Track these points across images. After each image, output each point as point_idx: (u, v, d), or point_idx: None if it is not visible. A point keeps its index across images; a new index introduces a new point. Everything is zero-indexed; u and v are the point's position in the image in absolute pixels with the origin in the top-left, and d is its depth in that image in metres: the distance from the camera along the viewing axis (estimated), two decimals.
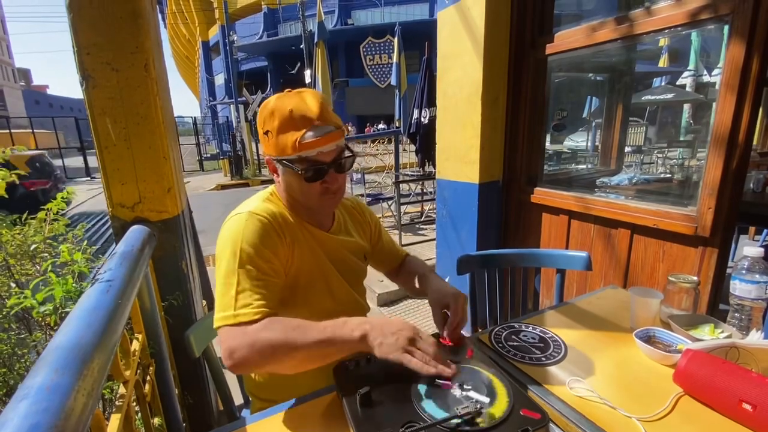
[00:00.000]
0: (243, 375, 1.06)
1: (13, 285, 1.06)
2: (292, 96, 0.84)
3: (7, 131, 14.18)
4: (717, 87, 1.30)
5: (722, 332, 0.91)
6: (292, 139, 0.80)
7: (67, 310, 0.87)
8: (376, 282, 3.31)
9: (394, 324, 0.74)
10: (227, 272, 0.77)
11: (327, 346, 0.71)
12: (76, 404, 0.45)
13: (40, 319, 0.97)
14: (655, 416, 0.70)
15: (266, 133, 0.84)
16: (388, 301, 3.19)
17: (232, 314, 0.73)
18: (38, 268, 1.18)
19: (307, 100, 0.82)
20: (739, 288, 0.93)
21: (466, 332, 0.92)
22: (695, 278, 1.01)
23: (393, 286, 3.24)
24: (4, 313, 1.04)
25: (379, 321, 0.75)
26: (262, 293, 0.77)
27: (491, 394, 0.68)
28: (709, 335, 0.90)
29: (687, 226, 1.38)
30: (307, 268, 0.90)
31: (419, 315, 2.94)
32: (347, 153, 0.89)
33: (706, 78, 6.88)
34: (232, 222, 0.84)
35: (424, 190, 5.61)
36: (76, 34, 1.09)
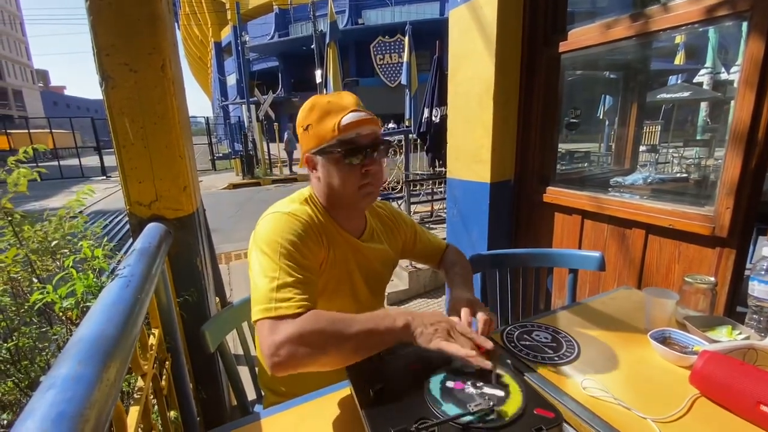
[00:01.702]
0: (258, 370, 1.08)
1: (35, 280, 1.09)
2: (328, 94, 0.91)
3: (26, 131, 14.55)
4: (735, 84, 1.27)
5: (740, 334, 0.89)
6: (332, 123, 0.85)
7: (88, 304, 0.90)
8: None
9: (434, 315, 0.75)
10: (267, 266, 0.78)
11: (372, 336, 0.72)
12: (100, 394, 0.46)
13: (61, 313, 1.00)
14: (671, 417, 0.69)
15: (306, 128, 0.88)
16: (397, 300, 3.19)
17: (274, 306, 0.73)
18: (58, 264, 1.21)
19: (343, 95, 0.90)
20: (758, 289, 0.91)
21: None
22: (712, 279, 0.99)
23: (402, 286, 3.25)
24: (26, 307, 1.07)
25: (419, 312, 0.76)
26: (302, 288, 0.77)
27: (504, 391, 0.68)
28: (727, 337, 0.89)
29: (704, 226, 1.36)
30: (337, 273, 0.92)
31: None
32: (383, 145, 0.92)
33: (724, 75, 6.72)
34: (271, 219, 0.85)
35: (434, 190, 5.60)
36: (96, 36, 1.11)
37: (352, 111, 0.85)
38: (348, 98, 0.89)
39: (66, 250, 1.15)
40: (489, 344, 0.70)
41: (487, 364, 0.68)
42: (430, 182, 5.29)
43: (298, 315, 0.72)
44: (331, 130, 0.84)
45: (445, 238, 2.64)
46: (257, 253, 0.81)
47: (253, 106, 11.96)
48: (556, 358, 0.88)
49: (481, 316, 0.84)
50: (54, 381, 0.45)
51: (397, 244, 1.11)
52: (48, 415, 0.40)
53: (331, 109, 0.86)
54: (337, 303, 0.93)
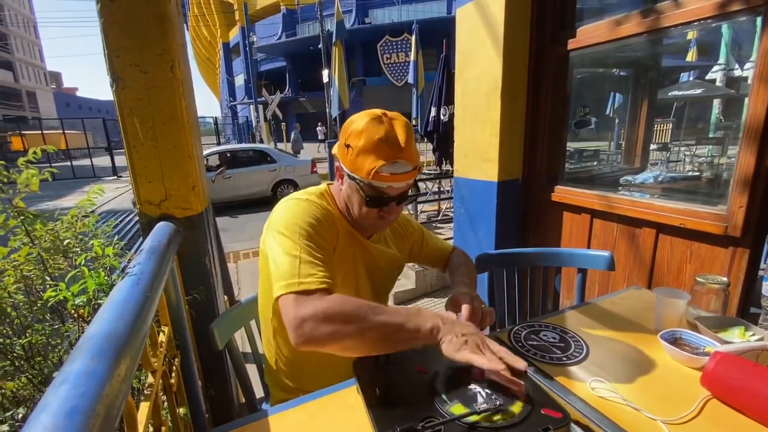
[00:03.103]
0: (266, 368, 1.09)
1: (48, 278, 1.11)
2: (385, 122, 0.83)
3: (40, 132, 14.82)
4: (749, 81, 1.25)
5: (753, 335, 0.88)
6: (370, 166, 0.81)
7: (99, 302, 0.91)
8: None
9: (467, 326, 0.73)
10: (288, 245, 0.78)
11: (396, 331, 0.70)
12: (111, 390, 0.47)
13: (73, 311, 1.01)
14: (681, 419, 0.68)
15: (347, 146, 0.85)
16: (403, 300, 3.19)
17: (297, 281, 0.72)
18: (69, 262, 1.23)
19: (398, 132, 0.83)
20: None
21: (484, 331, 0.91)
22: (725, 279, 0.97)
23: (410, 285, 3.25)
24: (39, 305, 1.10)
25: (451, 319, 0.74)
26: (323, 266, 0.77)
27: (511, 391, 0.67)
28: (739, 338, 0.87)
29: (716, 225, 1.34)
30: (343, 267, 0.92)
31: None
32: (413, 190, 0.91)
33: (737, 72, 6.60)
34: (290, 203, 0.86)
35: (441, 189, 5.58)
36: (107, 37, 1.13)
37: (394, 163, 0.82)
38: (401, 137, 0.82)
39: (78, 249, 1.17)
40: (523, 364, 0.65)
41: (519, 384, 0.65)
42: (437, 181, 5.27)
43: (322, 291, 0.72)
44: (366, 171, 0.82)
45: (452, 238, 2.64)
46: (276, 235, 0.81)
47: (260, 106, 12.05)
48: (564, 359, 0.87)
49: (474, 306, 0.84)
50: (67, 376, 0.46)
51: (405, 249, 1.12)
52: (61, 410, 0.41)
53: (377, 148, 0.81)
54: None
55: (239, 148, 8.67)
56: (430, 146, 5.09)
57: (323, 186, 0.99)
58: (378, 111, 0.86)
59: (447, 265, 1.17)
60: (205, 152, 7.95)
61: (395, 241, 1.09)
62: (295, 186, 7.69)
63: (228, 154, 7.71)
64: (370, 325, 0.69)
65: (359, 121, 0.84)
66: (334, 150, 0.93)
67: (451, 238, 2.68)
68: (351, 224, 0.95)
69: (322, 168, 9.58)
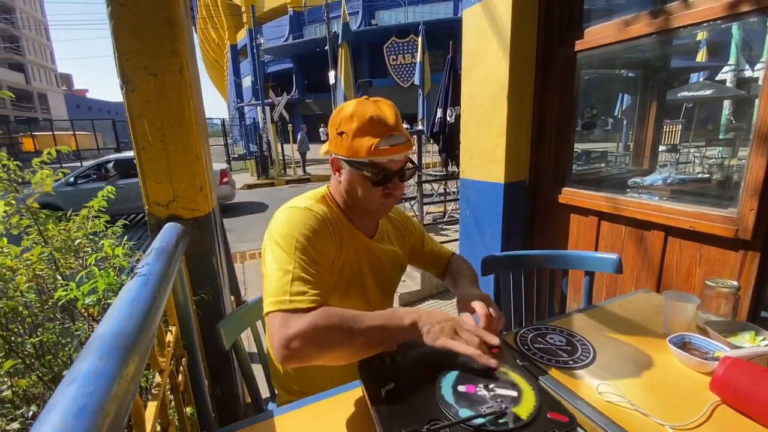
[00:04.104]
0: (272, 369, 1.09)
1: (60, 278, 1.12)
2: (370, 103, 0.87)
3: (50, 133, 15.04)
4: (760, 82, 1.23)
5: (764, 340, 0.86)
6: (368, 144, 0.83)
7: (109, 301, 0.93)
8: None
9: (441, 314, 0.77)
10: (282, 259, 0.78)
11: (380, 333, 0.73)
12: (120, 389, 0.48)
13: (83, 309, 1.03)
14: (690, 425, 0.68)
15: (340, 133, 0.87)
16: (409, 301, 3.19)
17: (288, 299, 0.73)
18: (80, 261, 1.25)
19: (385, 110, 0.87)
20: None
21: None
22: (735, 283, 0.96)
23: (415, 287, 3.24)
24: (50, 304, 1.11)
25: (428, 311, 0.78)
26: (315, 282, 0.78)
27: (517, 394, 0.67)
28: (749, 343, 0.86)
29: (726, 228, 1.32)
30: (348, 272, 0.92)
31: None
32: (410, 164, 0.92)
33: (748, 73, 6.50)
34: (287, 213, 0.86)
35: (447, 190, 5.57)
36: (117, 40, 1.14)
37: (389, 136, 0.84)
38: (389, 114, 0.86)
39: (89, 249, 1.19)
40: (496, 340, 0.72)
41: (493, 363, 0.69)
42: (443, 182, 5.27)
43: (310, 309, 0.73)
44: (365, 150, 0.83)
45: (457, 239, 2.63)
46: (272, 246, 0.81)
47: (267, 108, 12.10)
48: (570, 362, 0.87)
49: (491, 311, 0.84)
50: (76, 375, 0.47)
51: (406, 247, 1.12)
52: (70, 409, 0.41)
53: (371, 127, 0.84)
54: (348, 303, 0.94)
55: (131, 156, 7.67)
56: (436, 147, 5.09)
57: (323, 189, 0.99)
58: (361, 98, 0.89)
59: (447, 270, 1.16)
60: (87, 163, 7.19)
61: (398, 239, 1.09)
62: None
63: (110, 164, 6.86)
64: (356, 334, 0.72)
65: (347, 108, 0.87)
66: (324, 148, 0.94)
67: (457, 239, 2.67)
68: (354, 224, 0.95)
69: (326, 168, 9.51)
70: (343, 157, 0.88)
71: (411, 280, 3.36)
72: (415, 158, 5.08)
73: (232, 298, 2.09)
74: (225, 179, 7.21)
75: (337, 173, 0.93)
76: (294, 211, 0.86)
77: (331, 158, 0.93)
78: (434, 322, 0.74)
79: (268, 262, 0.80)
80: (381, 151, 0.83)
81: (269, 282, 0.77)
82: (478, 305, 0.84)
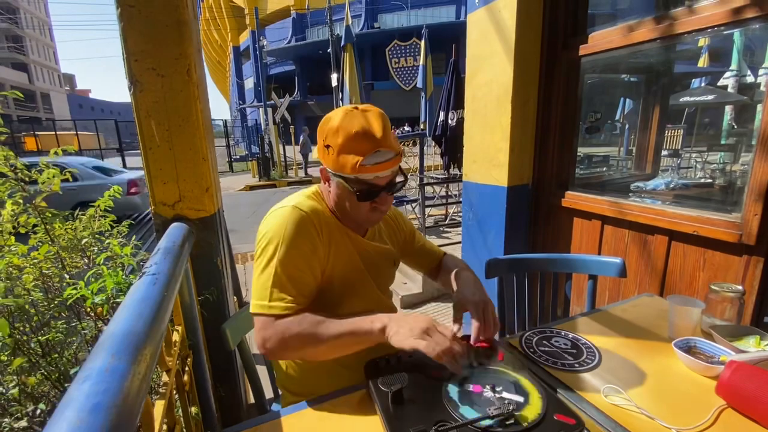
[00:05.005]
0: (276, 369, 1.09)
1: (67, 276, 1.13)
2: (357, 116, 0.84)
3: (53, 133, 15.08)
4: (763, 87, 1.24)
5: None
6: (353, 161, 0.81)
7: (117, 300, 0.93)
8: (400, 284, 3.32)
9: (412, 317, 0.78)
10: (267, 263, 0.83)
11: (348, 337, 0.78)
12: (132, 387, 0.48)
13: (90, 309, 1.03)
14: (696, 428, 0.68)
15: (327, 146, 0.85)
16: (411, 303, 3.19)
17: (267, 305, 0.80)
18: (86, 260, 1.26)
19: (372, 123, 0.83)
20: None
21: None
22: (740, 287, 0.96)
23: (416, 289, 3.24)
24: (56, 302, 1.12)
25: (399, 315, 0.79)
26: (295, 288, 0.82)
27: (524, 397, 0.67)
28: (755, 347, 0.86)
29: (730, 233, 1.32)
30: (342, 270, 0.93)
31: (443, 318, 2.92)
32: (399, 177, 0.92)
33: (750, 78, 6.51)
34: (275, 215, 0.88)
35: (449, 193, 5.58)
36: (126, 42, 1.15)
37: (375, 153, 0.82)
38: (377, 128, 0.82)
39: (95, 248, 1.19)
40: (460, 351, 0.73)
41: (456, 368, 0.72)
42: (445, 185, 5.27)
43: (286, 315, 0.80)
44: (350, 167, 0.82)
45: (459, 242, 2.63)
46: (259, 248, 0.86)
47: (269, 109, 12.14)
48: (576, 365, 0.87)
49: (483, 319, 0.85)
50: (90, 373, 0.47)
51: (398, 244, 1.12)
52: (85, 406, 0.42)
53: (356, 143, 0.81)
54: (346, 302, 0.94)
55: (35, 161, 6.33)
56: (438, 150, 5.10)
57: (315, 187, 0.99)
58: (349, 106, 0.87)
59: (439, 269, 1.16)
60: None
61: (389, 236, 1.09)
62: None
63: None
64: (321, 340, 0.78)
65: (334, 119, 0.85)
66: (316, 154, 0.94)
67: (459, 242, 2.67)
68: (344, 223, 0.95)
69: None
70: (329, 170, 0.88)
71: (412, 282, 3.36)
72: (416, 160, 5.09)
73: (235, 299, 2.10)
74: (133, 189, 6.41)
75: (326, 182, 0.93)
76: (282, 213, 0.87)
77: (321, 169, 0.93)
78: (404, 324, 0.76)
79: (255, 263, 0.86)
80: (366, 168, 0.82)
81: (254, 283, 0.84)
82: (472, 310, 0.86)
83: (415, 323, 0.75)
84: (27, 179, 1.18)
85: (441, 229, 4.88)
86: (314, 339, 0.78)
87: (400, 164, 0.90)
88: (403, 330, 0.74)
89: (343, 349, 0.80)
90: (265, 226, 0.87)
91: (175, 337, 0.97)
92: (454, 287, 1.02)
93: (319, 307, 0.87)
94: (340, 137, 0.82)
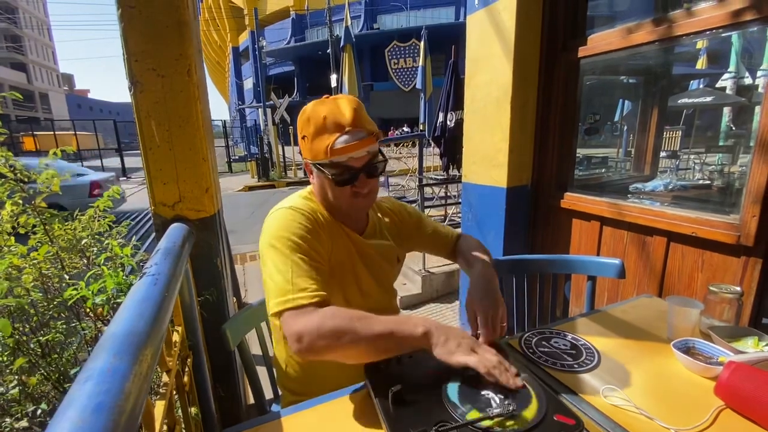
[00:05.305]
0: (276, 370, 1.09)
1: (66, 277, 1.13)
2: (327, 102, 0.86)
3: (52, 133, 15.06)
4: (761, 89, 1.25)
5: (767, 345, 0.87)
6: (324, 144, 0.83)
7: (118, 300, 0.93)
8: (399, 285, 3.31)
9: (458, 330, 0.74)
10: (280, 261, 0.80)
11: (388, 339, 0.72)
12: (133, 387, 0.48)
13: (89, 309, 1.03)
14: (695, 429, 0.68)
15: (303, 137, 0.88)
16: (410, 304, 3.19)
17: (292, 298, 0.76)
18: (85, 261, 1.26)
19: (342, 107, 0.85)
20: None
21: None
22: (739, 288, 0.97)
23: (416, 290, 3.24)
24: (55, 303, 1.11)
25: (441, 324, 0.75)
26: (316, 278, 0.80)
27: (524, 397, 0.67)
28: (753, 348, 0.86)
29: (729, 234, 1.33)
30: (340, 267, 0.93)
31: (443, 319, 2.92)
32: (379, 158, 0.90)
33: (748, 80, 6.54)
34: (276, 216, 0.87)
35: (448, 194, 5.58)
36: (126, 42, 1.15)
37: (346, 131, 0.82)
38: (346, 111, 0.84)
39: (95, 249, 1.19)
40: (514, 380, 0.68)
41: (517, 384, 0.67)
42: (444, 186, 5.27)
43: (315, 304, 0.75)
44: (323, 151, 0.83)
45: None
46: (268, 250, 0.83)
47: (269, 110, 12.14)
48: (575, 366, 0.87)
49: (489, 324, 0.82)
50: (91, 373, 0.47)
51: (402, 236, 1.10)
52: (87, 406, 0.42)
53: (326, 127, 0.83)
54: (344, 295, 0.94)
55: None
56: (437, 151, 5.10)
57: (308, 188, 1.00)
58: (321, 98, 0.88)
59: (456, 251, 1.13)
60: None
61: (391, 231, 1.08)
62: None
63: None
64: (362, 337, 0.71)
65: (305, 110, 0.87)
66: (300, 148, 0.94)
67: None
68: (341, 221, 0.95)
69: None
70: (308, 161, 0.89)
71: (412, 283, 3.37)
72: (415, 161, 5.10)
73: (234, 299, 2.10)
74: (96, 191, 6.14)
75: (310, 175, 0.94)
76: (282, 213, 0.87)
77: (304, 162, 0.93)
78: (451, 336, 0.71)
79: (267, 266, 0.82)
80: (338, 150, 0.82)
81: (272, 285, 0.79)
82: (480, 314, 0.83)
83: (462, 337, 0.72)
84: (26, 179, 1.18)
85: None
86: (352, 335, 0.71)
87: (377, 145, 0.89)
88: (451, 343, 0.70)
89: (382, 350, 0.74)
90: (269, 227, 0.86)
91: (175, 337, 0.97)
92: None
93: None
94: (312, 125, 0.84)
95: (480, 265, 0.99)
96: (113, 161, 14.46)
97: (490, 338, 0.83)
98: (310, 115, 0.85)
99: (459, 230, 1.18)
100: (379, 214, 1.08)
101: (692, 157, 6.75)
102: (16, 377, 0.91)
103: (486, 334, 0.82)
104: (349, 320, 0.73)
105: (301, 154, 0.92)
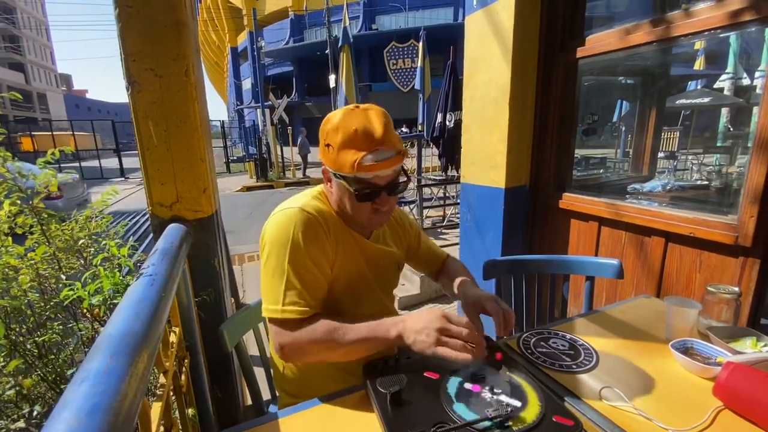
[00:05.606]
0: (273, 371, 1.09)
1: (63, 277, 1.12)
2: (358, 114, 0.83)
3: (49, 133, 15.00)
4: (759, 90, 1.25)
5: (765, 346, 0.87)
6: (352, 159, 0.79)
7: (115, 301, 0.93)
8: (398, 286, 3.31)
9: (423, 319, 0.76)
10: (277, 266, 0.82)
11: (364, 344, 0.79)
12: (130, 388, 0.48)
13: (86, 310, 1.03)
14: (693, 429, 0.68)
15: (327, 145, 0.84)
16: (408, 305, 3.19)
17: (280, 309, 0.81)
18: (82, 261, 1.25)
19: (373, 121, 0.82)
20: None
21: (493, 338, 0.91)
22: (736, 289, 0.97)
23: (414, 290, 3.24)
24: (52, 303, 1.11)
25: (410, 318, 0.78)
26: (308, 292, 0.82)
27: (522, 398, 0.67)
28: (751, 348, 0.87)
29: (726, 235, 1.33)
30: (346, 272, 0.92)
31: None
32: (402, 177, 0.90)
33: (746, 81, 6.56)
34: (281, 216, 0.86)
35: (447, 194, 5.59)
36: (124, 42, 1.15)
37: (375, 150, 0.80)
38: (377, 126, 0.81)
39: (92, 249, 1.19)
40: (478, 340, 0.73)
41: (483, 352, 0.73)
42: (443, 186, 5.28)
43: (301, 320, 0.81)
44: (349, 166, 0.80)
45: (457, 243, 2.63)
46: (267, 251, 0.84)
47: (267, 110, 12.12)
48: (573, 366, 0.87)
49: (504, 311, 0.85)
50: (87, 374, 0.47)
51: (404, 246, 1.11)
52: (83, 407, 0.42)
53: (356, 140, 0.80)
54: (348, 304, 0.94)
55: None
56: (436, 151, 5.11)
57: (320, 187, 0.98)
58: (351, 105, 0.86)
59: (443, 272, 1.16)
60: None
61: (394, 239, 1.08)
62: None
63: None
64: (338, 346, 0.79)
65: (334, 117, 0.84)
66: (321, 155, 0.93)
67: (457, 243, 2.68)
68: (348, 225, 0.94)
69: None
70: (330, 170, 0.87)
71: (410, 283, 3.37)
72: (414, 162, 5.11)
73: (232, 300, 2.09)
74: (58, 194, 5.64)
75: (328, 183, 0.92)
76: (289, 213, 0.85)
77: (322, 169, 0.92)
78: (419, 329, 0.74)
79: (264, 266, 0.85)
80: (366, 167, 0.80)
81: (266, 287, 0.84)
82: (490, 306, 0.86)
83: (429, 324, 0.74)
84: (24, 179, 1.17)
85: (439, 230, 4.88)
86: (331, 346, 0.79)
87: (402, 164, 0.88)
88: (420, 337, 0.73)
89: (360, 353, 0.81)
90: (271, 227, 0.85)
91: (173, 338, 0.97)
92: (456, 291, 1.03)
93: (324, 310, 0.87)
94: (340, 135, 0.81)
95: (470, 282, 1.03)
96: (111, 162, 14.41)
97: (511, 325, 0.84)
98: (339, 125, 0.81)
99: (446, 252, 1.21)
100: None
101: (690, 157, 6.77)
102: (12, 379, 0.90)
103: (504, 321, 0.84)
104: (326, 332, 0.79)
105: (321, 161, 0.90)
